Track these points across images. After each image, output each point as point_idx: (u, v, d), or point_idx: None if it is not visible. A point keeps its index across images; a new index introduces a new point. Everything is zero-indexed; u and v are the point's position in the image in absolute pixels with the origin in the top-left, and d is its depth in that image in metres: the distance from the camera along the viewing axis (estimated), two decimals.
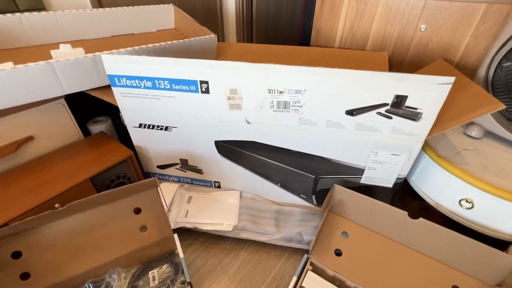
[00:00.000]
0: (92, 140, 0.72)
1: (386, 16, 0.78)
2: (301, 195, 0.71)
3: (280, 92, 0.53)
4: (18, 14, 0.71)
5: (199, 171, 0.73)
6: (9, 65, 0.55)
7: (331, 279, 0.54)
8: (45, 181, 0.59)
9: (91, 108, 0.78)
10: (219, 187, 0.76)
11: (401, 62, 0.82)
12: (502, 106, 0.47)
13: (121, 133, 0.81)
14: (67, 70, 0.59)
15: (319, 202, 0.70)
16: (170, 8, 0.96)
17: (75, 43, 0.76)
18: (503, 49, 0.57)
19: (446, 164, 0.57)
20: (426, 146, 0.62)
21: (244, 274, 0.62)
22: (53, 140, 0.67)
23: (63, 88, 0.60)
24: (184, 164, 0.73)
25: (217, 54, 0.85)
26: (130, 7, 0.88)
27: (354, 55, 0.84)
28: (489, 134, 0.64)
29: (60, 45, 0.64)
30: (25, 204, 0.54)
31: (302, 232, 0.64)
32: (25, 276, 0.50)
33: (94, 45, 0.78)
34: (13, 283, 0.49)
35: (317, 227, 0.65)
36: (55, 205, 0.53)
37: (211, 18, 1.32)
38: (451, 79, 0.45)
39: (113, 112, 0.74)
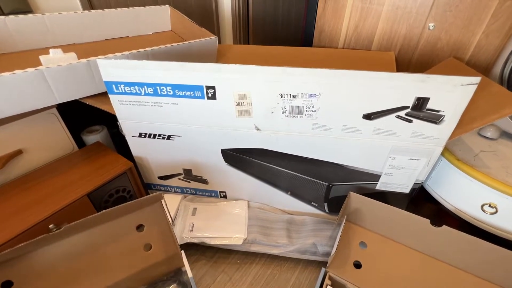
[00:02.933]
0: (87, 152, 0.67)
1: (392, 15, 0.75)
2: (313, 203, 0.67)
3: (293, 97, 0.50)
4: (2, 17, 0.66)
5: (204, 181, 0.69)
6: None
7: None
8: (37, 200, 0.53)
9: (85, 117, 0.73)
10: (225, 197, 0.72)
11: (408, 62, 0.80)
12: None
13: (119, 143, 0.76)
14: (59, 77, 0.54)
15: (332, 210, 0.66)
16: (166, 9, 0.91)
17: (66, 48, 0.71)
18: None
19: (466, 168, 0.54)
20: (444, 150, 0.59)
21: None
22: (44, 153, 0.62)
23: (54, 97, 0.55)
24: (188, 174, 0.68)
25: (217, 56, 0.81)
26: (124, 8, 0.83)
27: (360, 55, 0.81)
28: (504, 134, 0.63)
29: (50, 50, 0.59)
30: (15, 227, 0.48)
31: (317, 243, 0.61)
32: None
33: (87, 50, 0.73)
34: None
35: (332, 237, 0.62)
36: (50, 226, 0.48)
37: (206, 19, 1.28)
38: (477, 79, 0.42)
39: (109, 120, 0.69)
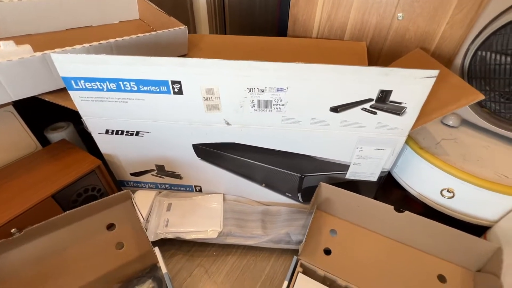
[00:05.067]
0: (52, 150, 0.64)
1: (363, 4, 0.75)
2: (287, 194, 0.69)
3: (261, 91, 0.49)
4: None
5: (177, 176, 0.68)
6: None
7: (322, 279, 0.53)
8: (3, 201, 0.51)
9: (49, 113, 0.69)
10: (200, 191, 0.72)
11: (379, 52, 0.81)
12: (482, 97, 0.47)
13: (88, 140, 0.73)
14: (12, 73, 0.50)
15: (305, 200, 0.68)
16: None
17: (20, 39, 0.66)
18: (478, 39, 0.57)
19: (428, 156, 0.57)
20: (408, 138, 0.62)
21: (233, 281, 0.59)
22: (3, 154, 0.59)
23: (8, 94, 0.52)
24: (161, 170, 0.67)
25: (189, 47, 0.78)
26: None
27: (333, 45, 0.81)
28: (465, 122, 0.66)
29: (1, 42, 0.54)
30: None
31: (290, 232, 0.63)
32: None
33: (45, 41, 0.68)
34: None
35: (304, 226, 0.64)
36: (11, 230, 0.46)
37: (180, 7, 1.22)
38: (435, 72, 0.44)
39: (75, 116, 0.66)
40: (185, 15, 1.15)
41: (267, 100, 0.50)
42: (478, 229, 0.56)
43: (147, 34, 0.65)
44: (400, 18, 0.73)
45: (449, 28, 0.69)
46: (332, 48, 0.80)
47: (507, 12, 0.52)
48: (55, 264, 0.49)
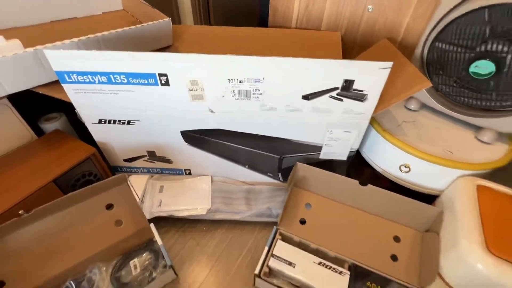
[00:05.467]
0: (47, 140, 0.68)
1: None
2: (268, 174, 0.76)
3: (240, 82, 0.55)
4: None
5: (168, 161, 0.74)
6: None
7: (297, 245, 0.62)
8: (3, 189, 0.56)
9: (41, 104, 0.72)
10: (190, 174, 0.78)
11: (353, 42, 0.87)
12: (429, 84, 0.55)
13: (80, 129, 0.77)
14: (6, 68, 0.53)
15: (285, 178, 0.76)
16: None
17: (7, 33, 0.68)
18: (434, 31, 0.64)
19: (389, 136, 0.65)
20: (374, 121, 0.70)
21: (222, 251, 0.68)
22: (2, 144, 0.63)
23: (4, 88, 0.55)
24: (152, 155, 0.73)
25: (174, 38, 0.82)
26: None
27: (310, 35, 0.87)
28: (424, 106, 0.74)
29: None
30: None
31: (271, 207, 0.71)
32: (0, 284, 0.50)
33: (31, 35, 0.70)
34: None
35: (284, 201, 0.72)
36: (19, 212, 0.51)
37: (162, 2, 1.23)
38: (389, 64, 0.51)
39: (67, 107, 0.70)
40: (169, 5, 1.16)
41: (246, 90, 0.56)
42: (430, 198, 0.66)
43: (133, 27, 0.68)
44: (370, 10, 0.79)
45: (413, 20, 0.75)
46: (309, 38, 0.86)
47: (454, 10, 0.59)
48: (61, 240, 0.55)
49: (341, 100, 0.57)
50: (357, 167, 0.83)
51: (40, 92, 0.60)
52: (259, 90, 0.56)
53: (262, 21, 0.99)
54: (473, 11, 0.56)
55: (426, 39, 0.66)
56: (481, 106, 0.65)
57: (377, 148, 0.70)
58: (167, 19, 0.76)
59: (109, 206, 0.60)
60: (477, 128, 0.67)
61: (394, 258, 0.59)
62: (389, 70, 0.52)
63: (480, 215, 0.50)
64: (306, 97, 0.57)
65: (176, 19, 1.21)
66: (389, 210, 0.63)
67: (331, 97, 0.57)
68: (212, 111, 0.61)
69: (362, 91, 0.55)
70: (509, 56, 0.55)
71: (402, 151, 0.63)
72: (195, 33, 0.87)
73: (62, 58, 0.52)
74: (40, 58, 0.56)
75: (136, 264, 0.60)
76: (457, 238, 0.48)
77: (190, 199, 0.72)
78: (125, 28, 0.67)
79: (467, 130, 0.68)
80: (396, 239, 0.62)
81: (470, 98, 0.65)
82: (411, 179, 0.66)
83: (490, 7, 0.54)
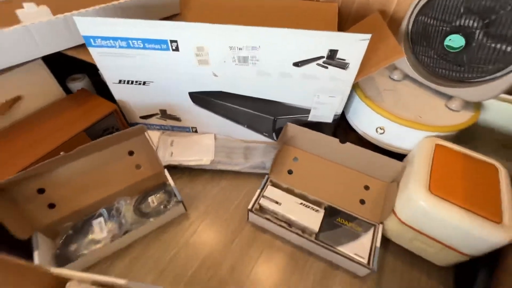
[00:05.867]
0: (75, 97, 0.79)
1: None
2: (264, 133, 0.88)
3: (240, 49, 0.64)
4: None
5: (177, 119, 0.86)
6: None
7: (285, 190, 0.75)
8: (46, 134, 0.69)
9: (67, 65, 0.83)
10: (196, 131, 0.90)
11: (348, 13, 0.93)
12: (403, 55, 0.63)
13: (100, 89, 0.88)
14: (42, 32, 0.63)
15: (276, 138, 0.87)
16: None
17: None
18: (418, 4, 0.70)
19: (369, 102, 0.75)
20: (358, 88, 0.79)
21: (223, 194, 0.82)
22: (40, 99, 0.74)
23: (40, 49, 0.66)
24: (164, 113, 0.84)
25: (182, 6, 0.88)
26: None
27: (309, 6, 0.92)
28: (407, 77, 0.82)
29: (24, 4, 0.66)
30: (36, 153, 0.65)
31: (265, 161, 0.83)
32: (51, 206, 0.65)
33: (56, 1, 0.78)
34: (43, 212, 0.64)
35: (275, 155, 0.84)
36: (60, 153, 0.65)
37: None
38: (368, 36, 0.59)
39: (89, 68, 0.80)
40: None
41: (244, 57, 0.65)
42: (401, 156, 0.77)
43: None
44: None
45: None
46: (308, 8, 0.92)
47: None
48: (94, 177, 0.69)
49: (327, 67, 0.66)
50: (345, 131, 0.94)
51: (69, 53, 0.70)
52: (255, 57, 0.65)
53: None
54: None
55: (411, 13, 0.73)
56: (455, 77, 0.73)
57: (358, 113, 0.80)
58: None
59: (131, 153, 0.73)
60: (449, 98, 0.76)
61: (362, 202, 0.72)
62: (367, 42, 0.60)
63: (431, 166, 0.61)
64: (296, 64, 0.66)
65: None
66: (362, 164, 0.75)
67: (318, 64, 0.66)
68: (215, 75, 0.70)
69: (344, 60, 0.64)
70: (477, 32, 0.62)
71: (378, 114, 0.73)
72: (201, 2, 0.93)
73: (88, 24, 0.62)
74: (69, 24, 0.65)
75: (153, 199, 0.75)
76: (408, 183, 0.60)
77: (197, 152, 0.85)
78: None
79: (440, 99, 0.77)
80: (366, 187, 0.74)
81: (446, 70, 0.73)
82: (385, 140, 0.77)
83: None
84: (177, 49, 0.65)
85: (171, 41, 0.64)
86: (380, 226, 0.67)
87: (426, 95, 0.78)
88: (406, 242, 0.67)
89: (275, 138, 0.88)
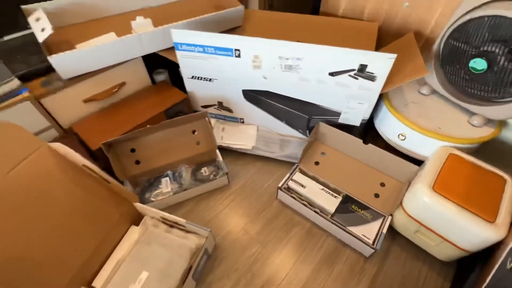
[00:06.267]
0: (159, 86, 1.05)
1: None
2: (299, 130, 1.03)
3: (287, 59, 0.81)
4: None
5: (230, 110, 1.07)
6: (112, 35, 0.87)
7: (310, 177, 0.90)
8: (138, 111, 0.94)
9: (154, 61, 1.09)
10: (243, 122, 1.10)
11: (388, 32, 1.03)
12: (425, 73, 0.74)
13: (175, 81, 1.14)
14: (147, 38, 0.89)
15: (308, 135, 1.02)
16: None
17: (138, 13, 1.04)
18: (450, 29, 0.80)
19: (393, 110, 0.86)
20: (386, 98, 0.90)
21: (259, 174, 1.00)
22: (136, 85, 1.01)
23: (143, 50, 0.91)
24: (220, 105, 1.06)
25: (244, 20, 1.09)
26: None
27: (352, 24, 1.05)
28: (435, 92, 0.91)
29: (137, 17, 0.92)
30: (131, 123, 0.90)
31: (297, 152, 0.99)
32: (137, 162, 0.90)
33: (154, 14, 1.05)
34: (132, 166, 0.90)
35: (305, 147, 1.00)
36: (147, 126, 0.89)
37: None
38: (394, 55, 0.71)
39: (169, 65, 1.05)
40: None
41: (290, 65, 0.83)
42: (420, 162, 0.86)
43: (214, 14, 0.97)
44: (405, 6, 0.94)
45: (441, 16, 0.89)
46: (351, 26, 1.05)
47: (466, 14, 0.73)
48: (166, 146, 0.93)
49: (357, 79, 0.80)
50: (374, 138, 1.05)
51: (161, 54, 0.95)
52: (299, 66, 0.82)
53: (315, 7, 1.19)
54: (480, 18, 0.71)
55: (443, 36, 0.82)
56: (480, 96, 0.80)
57: (384, 120, 0.91)
58: (241, 7, 1.03)
59: (193, 132, 0.96)
60: (472, 114, 0.83)
61: (376, 195, 0.84)
62: (393, 60, 0.72)
63: (440, 170, 0.71)
64: (332, 74, 0.81)
65: (245, 2, 1.47)
66: (381, 164, 0.86)
67: (350, 75, 0.80)
68: (265, 78, 0.89)
69: (373, 73, 0.77)
70: (500, 57, 0.70)
71: (400, 122, 0.84)
72: (259, 17, 1.13)
73: (179, 34, 0.85)
74: (165, 33, 0.89)
75: (206, 170, 0.96)
76: (416, 182, 0.71)
77: (242, 138, 1.04)
78: (213, 13, 0.97)
79: (463, 114, 0.84)
80: (382, 184, 0.85)
81: (472, 89, 0.80)
82: (405, 146, 0.87)
83: (492, 16, 0.69)
84: (239, 56, 0.85)
85: (235, 50, 0.84)
86: (389, 218, 0.78)
87: (450, 110, 0.86)
88: (411, 234, 0.77)
89: (308, 135, 1.03)
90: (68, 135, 0.87)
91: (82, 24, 0.96)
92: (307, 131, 1.02)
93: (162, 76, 1.09)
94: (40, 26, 0.76)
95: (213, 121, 1.10)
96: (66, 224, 0.65)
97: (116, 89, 0.95)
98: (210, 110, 1.09)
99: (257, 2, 1.46)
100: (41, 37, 0.74)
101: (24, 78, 0.77)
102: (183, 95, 1.01)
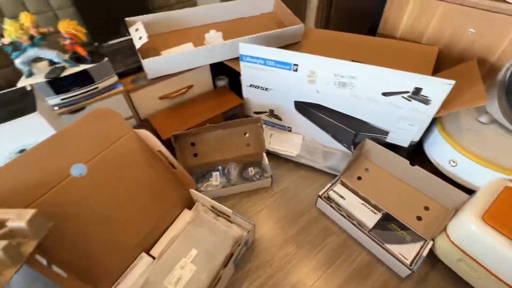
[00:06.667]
0: (219, 91, 1.19)
1: (443, 17, 0.97)
2: (344, 144, 1.07)
3: (341, 76, 0.87)
4: (186, 8, 1.16)
5: (279, 118, 1.15)
6: (190, 45, 1.02)
7: (351, 191, 0.93)
8: (200, 111, 1.08)
9: (216, 69, 1.24)
10: (290, 130, 1.17)
11: (448, 56, 1.02)
12: (485, 102, 0.73)
13: (233, 88, 1.26)
14: (217, 49, 1.02)
15: (353, 150, 1.05)
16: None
17: (211, 26, 1.19)
18: None
19: (447, 137, 0.85)
20: (439, 122, 0.90)
21: (301, 181, 1.06)
22: (201, 88, 1.16)
23: (213, 58, 1.05)
24: (271, 113, 1.15)
25: (302, 36, 1.17)
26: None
27: (410, 47, 1.07)
28: (495, 121, 0.87)
29: (210, 31, 1.07)
30: (194, 121, 1.04)
31: (340, 164, 1.03)
32: (195, 155, 1.03)
33: (223, 28, 1.19)
34: (190, 158, 1.03)
35: (349, 161, 1.03)
36: (207, 124, 1.02)
37: (296, 2, 1.57)
38: (452, 82, 0.72)
39: (229, 73, 1.17)
40: (299, 7, 1.51)
41: (344, 82, 0.88)
42: (468, 190, 0.84)
43: (278, 30, 1.07)
44: (470, 33, 0.93)
45: (509, 45, 0.86)
46: (409, 49, 1.06)
47: None
48: (222, 144, 1.04)
49: (410, 101, 0.82)
50: (422, 161, 1.04)
51: (226, 63, 1.08)
52: (352, 83, 0.87)
53: (372, 28, 1.23)
54: None
55: (510, 65, 0.80)
56: None
57: (435, 144, 0.91)
58: (301, 25, 1.12)
59: (245, 134, 1.06)
60: None
61: (419, 218, 0.84)
62: (451, 86, 0.73)
63: (493, 202, 0.69)
64: (385, 94, 0.84)
65: (302, 16, 1.56)
66: (427, 187, 0.85)
67: (403, 97, 0.82)
68: (318, 92, 0.95)
69: (427, 97, 0.79)
70: None
71: (453, 148, 0.83)
72: (317, 35, 1.20)
73: (245, 47, 0.97)
74: (233, 45, 1.02)
75: (252, 170, 1.05)
76: (465, 209, 0.70)
77: (288, 145, 1.12)
78: (276, 30, 1.07)
79: None
80: (426, 208, 0.85)
81: None
82: (456, 173, 0.85)
83: None
84: (296, 70, 0.93)
85: (294, 64, 0.92)
86: (431, 242, 0.78)
87: (511, 142, 0.82)
88: (453, 263, 0.75)
89: (352, 149, 1.06)
90: (144, 125, 1.04)
91: (166, 34, 1.14)
92: (352, 146, 1.05)
93: (222, 82, 1.23)
94: (138, 35, 0.94)
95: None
96: (139, 197, 0.79)
97: (185, 90, 1.10)
98: (261, 116, 1.19)
99: (313, 19, 1.54)
100: (138, 44, 0.92)
101: (120, 75, 0.96)
102: (240, 101, 1.13)
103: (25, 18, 0.75)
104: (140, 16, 1.04)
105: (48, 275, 0.56)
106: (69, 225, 0.64)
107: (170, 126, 1.00)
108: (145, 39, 0.90)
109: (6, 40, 0.74)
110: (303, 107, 1.05)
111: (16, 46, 0.77)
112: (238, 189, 1.02)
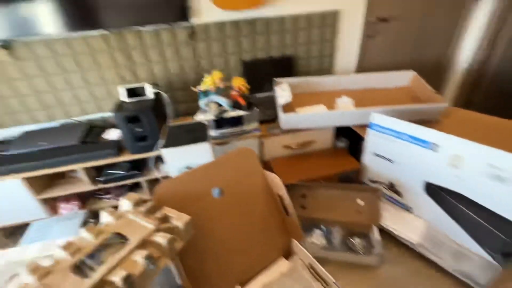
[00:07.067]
0: (338, 151, 1.23)
1: None
2: (486, 249, 0.85)
3: (500, 169, 0.74)
4: (328, 76, 1.32)
5: (399, 194, 1.05)
6: (322, 107, 1.13)
7: None
8: (318, 166, 1.14)
9: (339, 129, 1.29)
10: (410, 211, 1.05)
11: None
12: None
13: (351, 151, 1.27)
14: (347, 115, 1.08)
15: (505, 263, 0.82)
16: (410, 73, 1.29)
17: (343, 92, 1.28)
18: None
19: None
20: None
21: (418, 276, 0.89)
22: (321, 145, 1.23)
23: (340, 122, 1.12)
24: (391, 186, 1.07)
25: (441, 115, 1.10)
26: (378, 72, 1.31)
27: None
28: None
29: (342, 96, 1.15)
30: (310, 174, 1.09)
31: (479, 275, 0.82)
32: (303, 207, 1.06)
33: (354, 95, 1.26)
34: (297, 209, 1.05)
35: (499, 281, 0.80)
36: (320, 181, 1.04)
37: (435, 70, 1.51)
38: None
39: (350, 136, 1.20)
40: (437, 77, 1.43)
41: (502, 176, 0.74)
42: None
43: (418, 105, 1.05)
44: None
45: None
46: None
47: None
48: (328, 204, 1.03)
49: None
50: None
51: (353, 128, 1.12)
52: None
53: None
54: None
55: None
56: None
57: None
58: (444, 104, 1.05)
59: (356, 200, 1.02)
60: None
61: None
62: None
63: None
64: None
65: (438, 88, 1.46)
66: None
67: None
68: (461, 179, 0.84)
69: None
70: None
71: None
72: (460, 116, 1.10)
73: (378, 117, 0.98)
74: (363, 113, 1.06)
75: (357, 241, 0.98)
76: None
77: (405, 227, 0.99)
78: (410, 105, 1.05)
79: None
80: None
81: None
82: None
83: None
84: (435, 150, 0.86)
85: (433, 144, 0.86)
86: None
87: None
88: None
89: (500, 261, 0.83)
90: (265, 167, 1.17)
91: (302, 94, 1.31)
92: (500, 256, 0.83)
93: (342, 144, 1.26)
94: (283, 93, 1.12)
95: None
96: (251, 230, 0.86)
97: (307, 145, 1.19)
98: (377, 185, 1.12)
99: (452, 97, 1.42)
100: (281, 101, 1.09)
101: (260, 122, 1.15)
102: (357, 165, 1.12)
103: (216, 75, 1.05)
104: (287, 78, 1.25)
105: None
106: (198, 237, 0.76)
107: (286, 173, 1.09)
108: (289, 98, 1.07)
109: (202, 87, 1.05)
110: (436, 191, 0.93)
111: (205, 92, 1.07)
112: (339, 257, 0.96)
